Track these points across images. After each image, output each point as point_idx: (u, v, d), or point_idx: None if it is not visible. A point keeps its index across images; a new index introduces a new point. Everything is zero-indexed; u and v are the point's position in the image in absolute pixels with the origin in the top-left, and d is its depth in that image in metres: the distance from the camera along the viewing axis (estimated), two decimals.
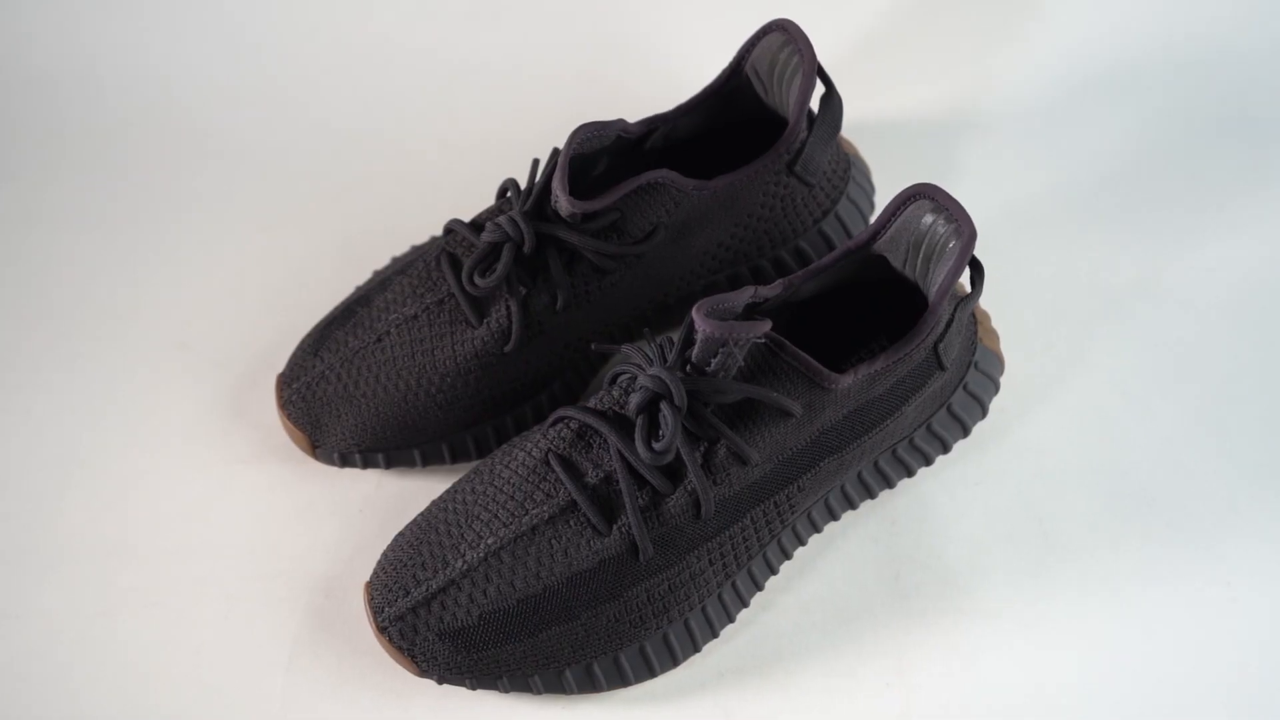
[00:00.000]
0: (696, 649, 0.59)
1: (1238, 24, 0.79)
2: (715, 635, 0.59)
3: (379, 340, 0.63)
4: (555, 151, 0.62)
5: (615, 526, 0.55)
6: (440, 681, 0.56)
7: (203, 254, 0.74)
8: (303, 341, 0.65)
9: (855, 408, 0.57)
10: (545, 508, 0.56)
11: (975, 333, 0.63)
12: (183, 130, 0.79)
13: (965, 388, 0.63)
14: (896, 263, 0.60)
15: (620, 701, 0.58)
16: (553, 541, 0.56)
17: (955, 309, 0.59)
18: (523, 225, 0.60)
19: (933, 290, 0.58)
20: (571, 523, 0.56)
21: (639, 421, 0.54)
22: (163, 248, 0.74)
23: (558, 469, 0.56)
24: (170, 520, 0.64)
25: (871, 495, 0.62)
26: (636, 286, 0.63)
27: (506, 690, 0.57)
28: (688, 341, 0.55)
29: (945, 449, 0.63)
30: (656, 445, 0.54)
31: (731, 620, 0.60)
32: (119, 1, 0.82)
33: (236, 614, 0.61)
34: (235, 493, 0.64)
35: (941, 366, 0.60)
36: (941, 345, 0.59)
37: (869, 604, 0.61)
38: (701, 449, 0.55)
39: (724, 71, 0.66)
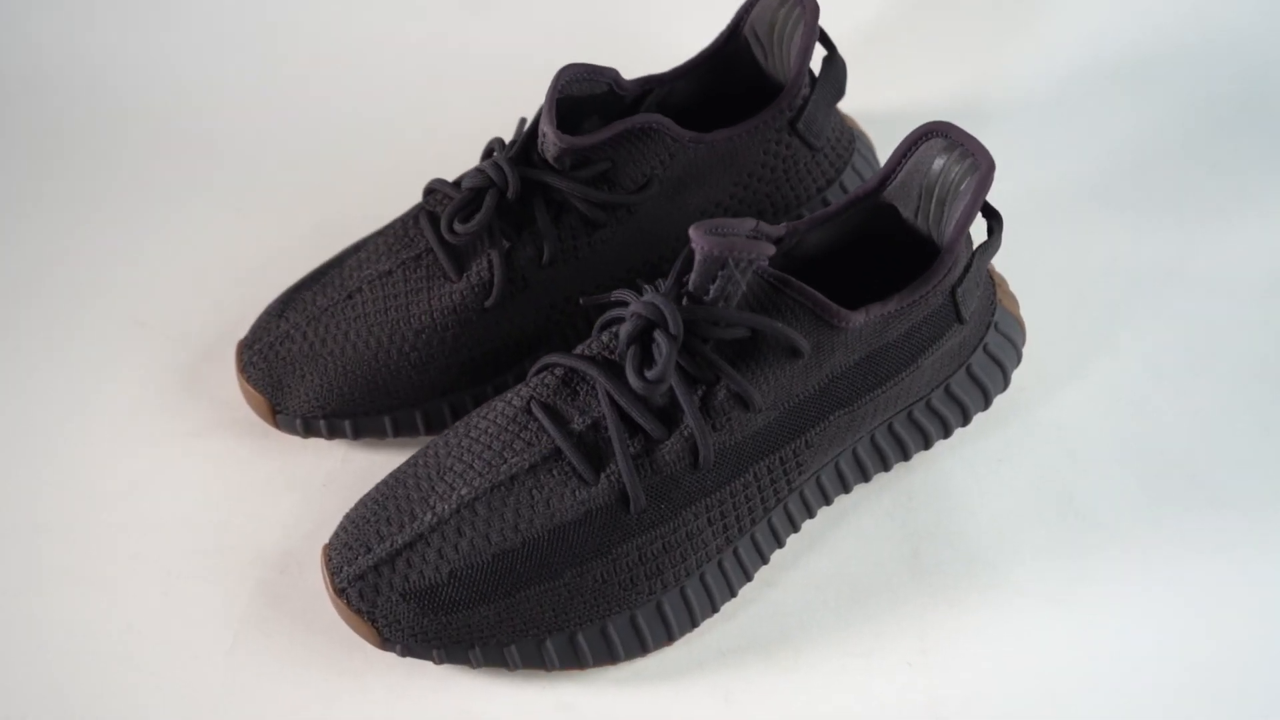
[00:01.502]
0: (694, 623, 0.52)
1: (1254, 13, 0.77)
2: (715, 610, 0.53)
3: (349, 297, 0.58)
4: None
5: (603, 475, 0.50)
6: (403, 654, 0.50)
7: (165, 233, 0.69)
8: (268, 307, 0.60)
9: (867, 353, 0.52)
10: (525, 456, 0.50)
11: (994, 294, 0.58)
12: (154, 115, 0.75)
13: (985, 348, 0.58)
14: (908, 212, 0.56)
15: (607, 681, 0.51)
16: (533, 492, 0.50)
17: (974, 255, 0.54)
18: (507, 170, 0.56)
19: (949, 228, 0.53)
20: (555, 472, 0.50)
21: (630, 352, 0.49)
22: (124, 227, 0.70)
23: (540, 416, 0.51)
24: (109, 496, 0.58)
25: (885, 464, 0.57)
26: (629, 244, 0.59)
27: (479, 664, 0.50)
28: (685, 269, 0.50)
29: (964, 416, 0.58)
30: (649, 374, 0.48)
31: (733, 594, 0.53)
32: None
33: (176, 590, 0.54)
34: (184, 467, 0.59)
35: (960, 318, 0.55)
36: (960, 290, 0.54)
37: (885, 581, 0.55)
38: (700, 391, 0.50)
39: (722, 33, 0.63)
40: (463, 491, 0.50)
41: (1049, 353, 0.63)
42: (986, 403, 0.59)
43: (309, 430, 0.58)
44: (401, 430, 0.58)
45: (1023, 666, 0.52)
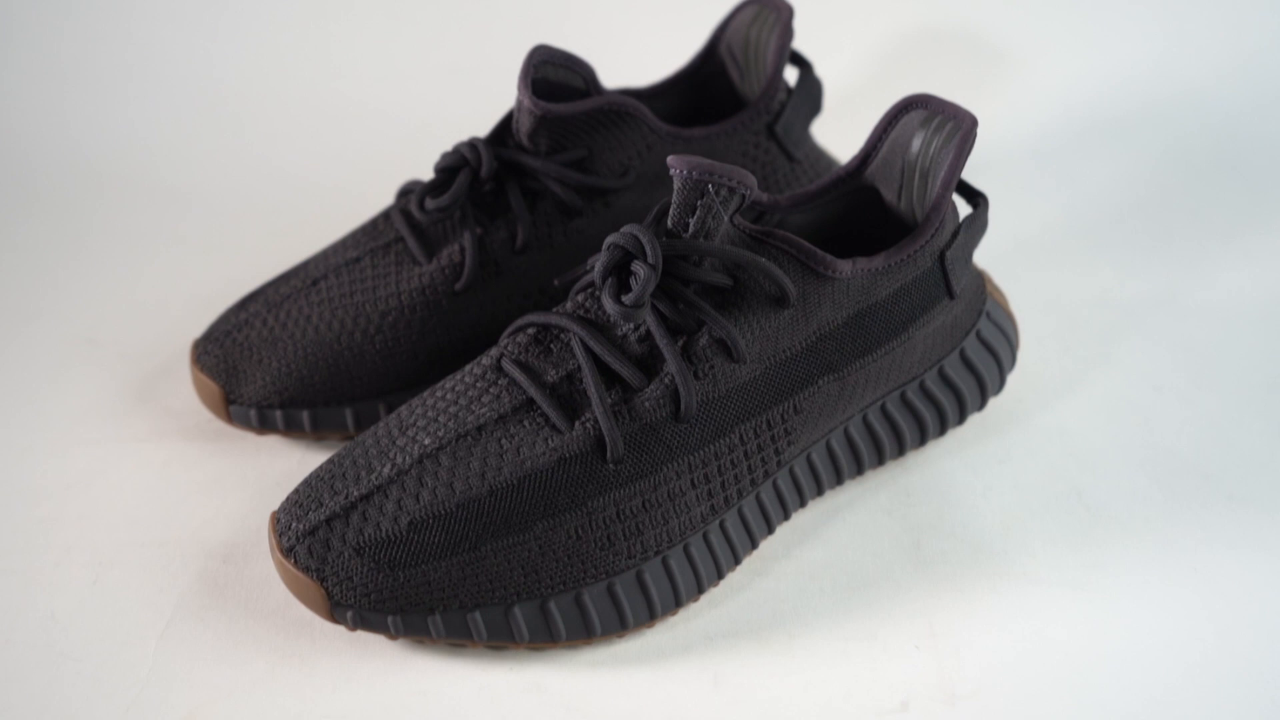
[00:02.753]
0: (678, 602, 0.47)
1: (1215, 72, 0.79)
2: (700, 589, 0.48)
3: (314, 284, 0.56)
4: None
5: (578, 423, 0.46)
6: (355, 624, 0.45)
7: (130, 266, 0.67)
8: (229, 307, 0.58)
9: (856, 312, 0.50)
10: (494, 408, 0.47)
11: (984, 286, 0.56)
12: (126, 168, 0.75)
13: (979, 334, 0.55)
14: (891, 194, 0.54)
15: (581, 664, 0.46)
16: (502, 441, 0.46)
17: (961, 224, 0.53)
18: (482, 149, 0.55)
19: (934, 188, 0.52)
20: (526, 422, 0.46)
21: (608, 283, 0.46)
22: (81, 250, 0.67)
23: (511, 370, 0.47)
24: (44, 491, 0.53)
25: (879, 449, 0.53)
26: (604, 236, 0.57)
27: (440, 635, 0.45)
28: (663, 212, 0.48)
29: (960, 405, 0.55)
30: (626, 298, 0.45)
31: (720, 575, 0.49)
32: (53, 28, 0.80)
33: (107, 579, 0.49)
34: (125, 467, 0.54)
35: (950, 291, 0.52)
36: (948, 256, 0.52)
37: (886, 570, 0.50)
38: (681, 341, 0.47)
39: (699, 53, 0.63)
40: (425, 442, 0.46)
41: (1045, 369, 0.61)
42: (983, 394, 0.56)
43: (264, 423, 0.54)
44: (363, 424, 0.54)
45: (1039, 647, 0.47)
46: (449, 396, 0.48)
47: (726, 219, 0.47)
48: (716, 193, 0.46)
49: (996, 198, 0.73)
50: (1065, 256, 0.69)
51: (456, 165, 0.55)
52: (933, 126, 0.52)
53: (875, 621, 0.48)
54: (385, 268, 0.55)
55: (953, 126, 0.52)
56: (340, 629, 0.47)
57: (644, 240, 0.46)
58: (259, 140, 0.77)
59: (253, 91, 0.80)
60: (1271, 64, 0.79)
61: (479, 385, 0.48)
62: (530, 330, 0.49)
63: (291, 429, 0.54)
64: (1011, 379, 0.59)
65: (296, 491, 0.47)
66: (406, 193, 0.58)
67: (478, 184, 0.55)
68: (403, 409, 0.49)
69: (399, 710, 0.44)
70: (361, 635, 0.47)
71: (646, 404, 0.46)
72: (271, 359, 0.54)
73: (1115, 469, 0.55)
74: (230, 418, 0.54)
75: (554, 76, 0.56)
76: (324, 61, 0.82)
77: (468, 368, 0.49)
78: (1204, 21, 0.80)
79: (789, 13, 0.60)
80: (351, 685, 0.45)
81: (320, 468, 0.47)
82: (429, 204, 0.54)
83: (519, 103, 0.54)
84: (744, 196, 0.46)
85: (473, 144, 0.55)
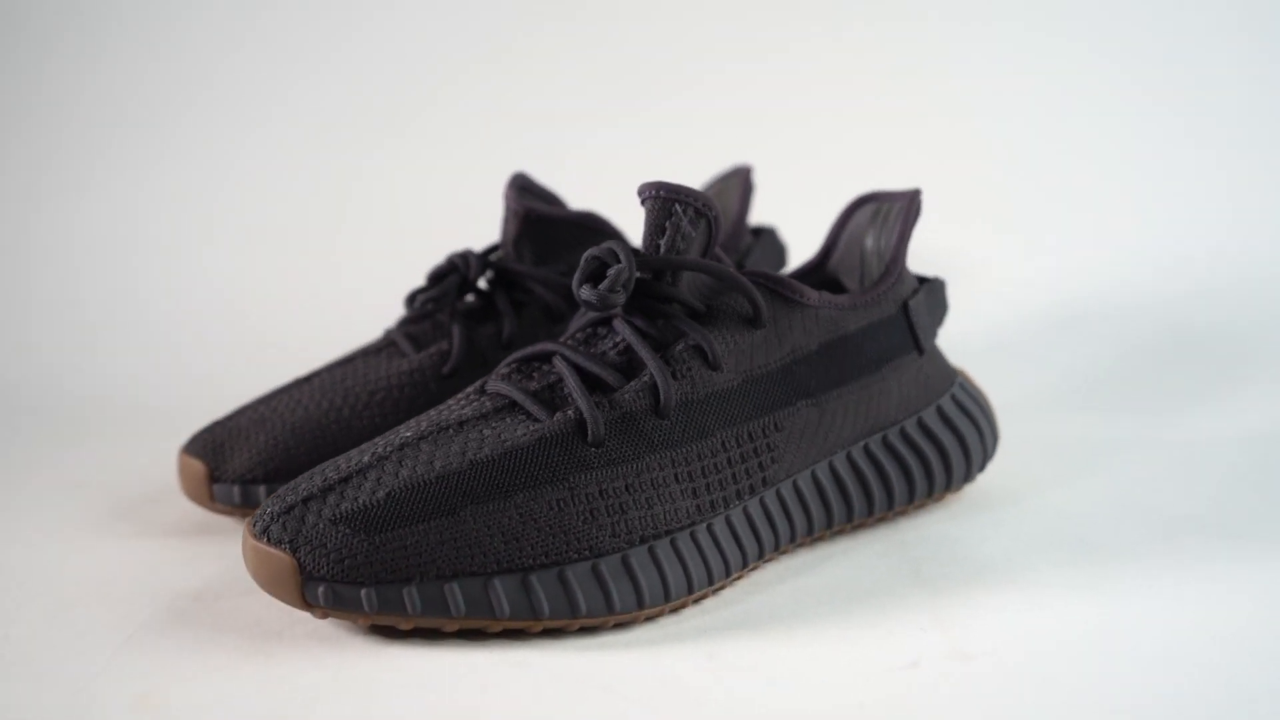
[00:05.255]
0: (667, 596, 0.45)
1: (1163, 278, 0.84)
2: (691, 590, 0.46)
3: (306, 380, 0.57)
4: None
5: (559, 413, 0.46)
6: (326, 603, 0.42)
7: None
8: None
9: (827, 340, 0.51)
10: (476, 410, 0.47)
11: (955, 369, 0.58)
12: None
13: (954, 397, 0.56)
14: (854, 283, 0.58)
15: (568, 645, 0.43)
16: (484, 430, 0.46)
17: (924, 281, 0.56)
18: (471, 257, 0.59)
19: (890, 250, 0.55)
20: (508, 418, 0.47)
21: (584, 282, 0.48)
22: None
23: (495, 385, 0.48)
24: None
25: (868, 495, 0.52)
26: None
27: (416, 610, 0.42)
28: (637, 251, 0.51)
29: (943, 459, 0.55)
30: (602, 285, 0.47)
31: (711, 580, 0.47)
32: None
33: (67, 612, 0.47)
34: (96, 535, 0.53)
35: (918, 345, 0.54)
36: (911, 305, 0.54)
37: (889, 587, 0.48)
38: (660, 354, 0.48)
39: None
40: (406, 435, 0.46)
41: (1031, 469, 0.61)
42: (966, 456, 0.56)
43: (247, 500, 0.53)
44: None
45: (1050, 623, 0.44)
46: (431, 411, 0.49)
47: (696, 239, 0.50)
48: (684, 212, 0.50)
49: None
50: (1040, 417, 0.71)
51: (446, 270, 0.59)
52: (882, 213, 0.57)
53: (876, 614, 0.45)
54: (376, 362, 0.57)
55: (900, 205, 0.56)
56: (310, 636, 0.44)
57: (618, 248, 0.49)
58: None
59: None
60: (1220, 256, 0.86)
61: (462, 400, 0.49)
62: (514, 363, 0.50)
63: None
64: (996, 470, 0.59)
65: (275, 494, 0.46)
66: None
67: (466, 287, 0.58)
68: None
69: (371, 685, 0.41)
70: (333, 635, 0.44)
71: (626, 396, 0.47)
72: (259, 436, 0.54)
73: (1122, 520, 0.54)
74: (214, 498, 0.54)
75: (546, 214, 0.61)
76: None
77: (453, 397, 0.50)
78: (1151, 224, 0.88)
79: (747, 172, 0.66)
80: (320, 666, 0.42)
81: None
82: (419, 299, 0.57)
83: (506, 207, 0.59)
84: (710, 221, 0.50)
85: (464, 254, 0.59)
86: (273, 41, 0.97)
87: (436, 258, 0.60)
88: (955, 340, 0.69)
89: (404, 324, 0.59)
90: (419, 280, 0.61)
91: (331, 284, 0.87)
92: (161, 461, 0.63)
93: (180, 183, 0.95)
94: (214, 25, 0.96)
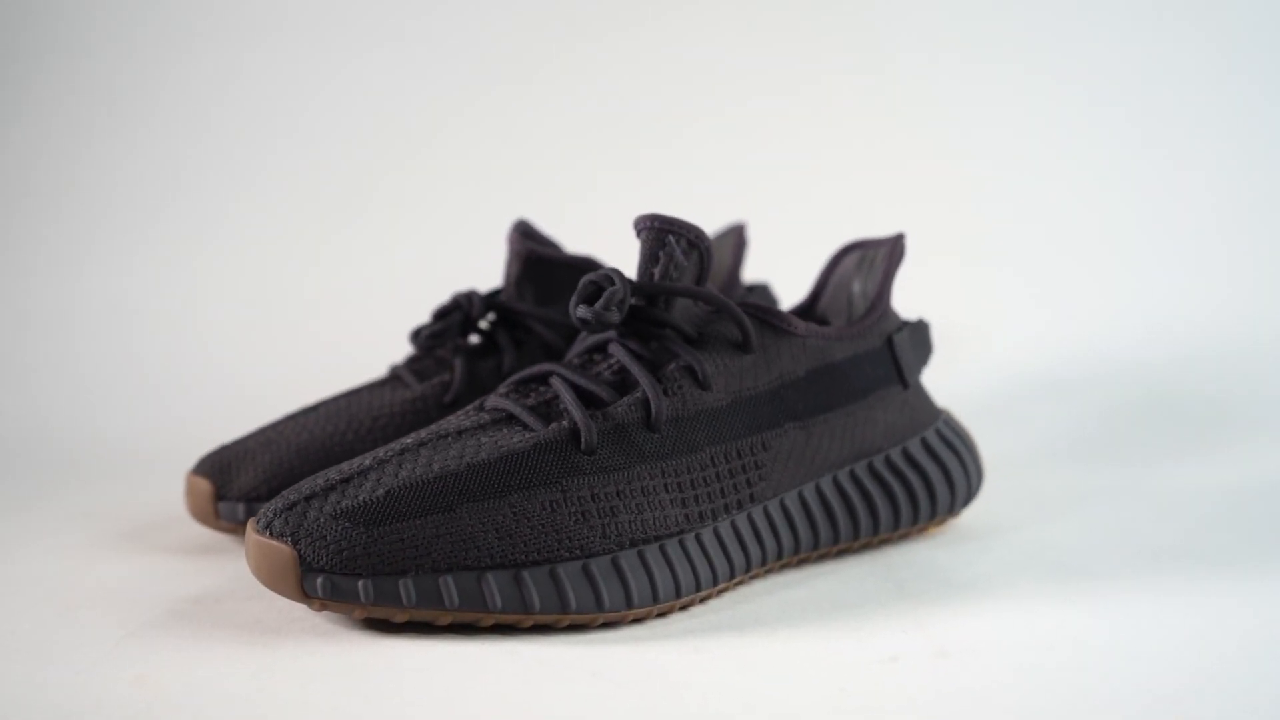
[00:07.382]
0: (654, 598, 0.46)
1: (1143, 342, 0.86)
2: (677, 594, 0.47)
3: (313, 408, 0.59)
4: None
5: (554, 423, 0.48)
6: (324, 595, 0.44)
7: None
8: None
9: (814, 368, 0.53)
10: (475, 421, 0.49)
11: (939, 408, 0.60)
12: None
13: (938, 431, 0.58)
14: (842, 324, 0.60)
15: (561, 641, 0.44)
16: (481, 438, 0.48)
17: (906, 322, 0.58)
18: (475, 297, 0.61)
19: (875, 288, 0.58)
20: (505, 429, 0.49)
21: (578, 295, 0.50)
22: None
23: (492, 401, 0.50)
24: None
25: (854, 519, 0.54)
26: None
27: (411, 602, 0.44)
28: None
29: (928, 488, 0.56)
30: (597, 304, 0.49)
31: (699, 588, 0.48)
32: None
33: (69, 614, 0.48)
34: (101, 553, 0.55)
35: (903, 379, 0.56)
36: (896, 340, 0.56)
37: (871, 597, 0.49)
38: (654, 373, 0.51)
39: None
40: (406, 442, 0.48)
41: (1016, 510, 0.62)
42: (951, 486, 0.57)
43: (251, 516, 0.55)
44: None
45: (1028, 632, 0.45)
46: (433, 424, 0.50)
47: (689, 268, 0.52)
48: (678, 243, 0.52)
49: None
50: (1026, 475, 0.72)
51: (451, 308, 0.61)
52: (868, 259, 0.59)
53: (860, 618, 0.47)
54: (381, 392, 0.59)
55: (884, 249, 0.59)
56: (308, 631, 0.45)
57: (613, 273, 0.51)
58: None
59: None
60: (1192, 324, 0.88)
61: (462, 415, 0.51)
62: (512, 383, 0.52)
63: None
64: (980, 509, 0.61)
65: (280, 493, 0.48)
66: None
67: (469, 324, 0.61)
68: None
69: (364, 671, 0.42)
70: (329, 629, 0.45)
71: (619, 409, 0.49)
72: (264, 456, 0.56)
73: (1114, 549, 0.55)
74: (219, 516, 0.55)
75: (545, 255, 0.64)
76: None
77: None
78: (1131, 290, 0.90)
79: (742, 229, 0.69)
80: (315, 653, 0.43)
81: None
82: (423, 331, 0.60)
83: (509, 250, 0.62)
84: (703, 252, 0.53)
85: (468, 293, 0.62)
86: (281, 75, 1.01)
87: (442, 301, 0.63)
88: (941, 402, 0.70)
89: (410, 362, 0.61)
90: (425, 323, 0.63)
91: (338, 329, 0.89)
92: (168, 500, 0.65)
93: (194, 224, 0.99)
94: (223, 56, 1.00)
